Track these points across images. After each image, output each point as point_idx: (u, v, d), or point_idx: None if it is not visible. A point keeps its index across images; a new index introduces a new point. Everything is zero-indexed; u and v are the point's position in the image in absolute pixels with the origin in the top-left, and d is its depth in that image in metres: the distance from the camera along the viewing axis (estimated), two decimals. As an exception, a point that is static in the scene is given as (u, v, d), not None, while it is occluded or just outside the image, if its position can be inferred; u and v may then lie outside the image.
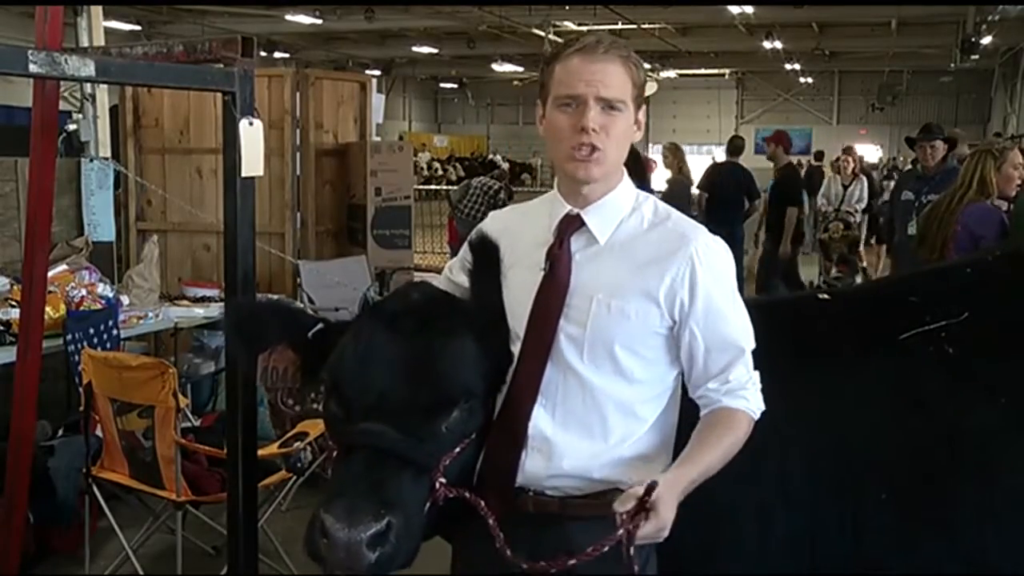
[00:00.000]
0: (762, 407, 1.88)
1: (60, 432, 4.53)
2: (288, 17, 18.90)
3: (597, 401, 1.84)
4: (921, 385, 2.20)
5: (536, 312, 1.86)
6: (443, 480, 1.82)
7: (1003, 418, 2.14)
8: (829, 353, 2.26)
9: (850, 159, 10.29)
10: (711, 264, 1.84)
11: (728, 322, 1.85)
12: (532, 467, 1.86)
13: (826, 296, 2.54)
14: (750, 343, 1.88)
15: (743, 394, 1.85)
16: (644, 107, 1.92)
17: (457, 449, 1.86)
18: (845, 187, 10.00)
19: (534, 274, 1.89)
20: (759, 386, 1.88)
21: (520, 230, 1.98)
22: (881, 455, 2.14)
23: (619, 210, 1.90)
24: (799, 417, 2.15)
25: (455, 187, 12.20)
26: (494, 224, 2.04)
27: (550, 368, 1.85)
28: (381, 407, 1.86)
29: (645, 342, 1.84)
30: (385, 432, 1.82)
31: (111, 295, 4.68)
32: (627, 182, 1.93)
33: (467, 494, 1.83)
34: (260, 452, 3.22)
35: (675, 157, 9.31)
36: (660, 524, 1.64)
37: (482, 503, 1.82)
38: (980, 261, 2.83)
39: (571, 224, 1.89)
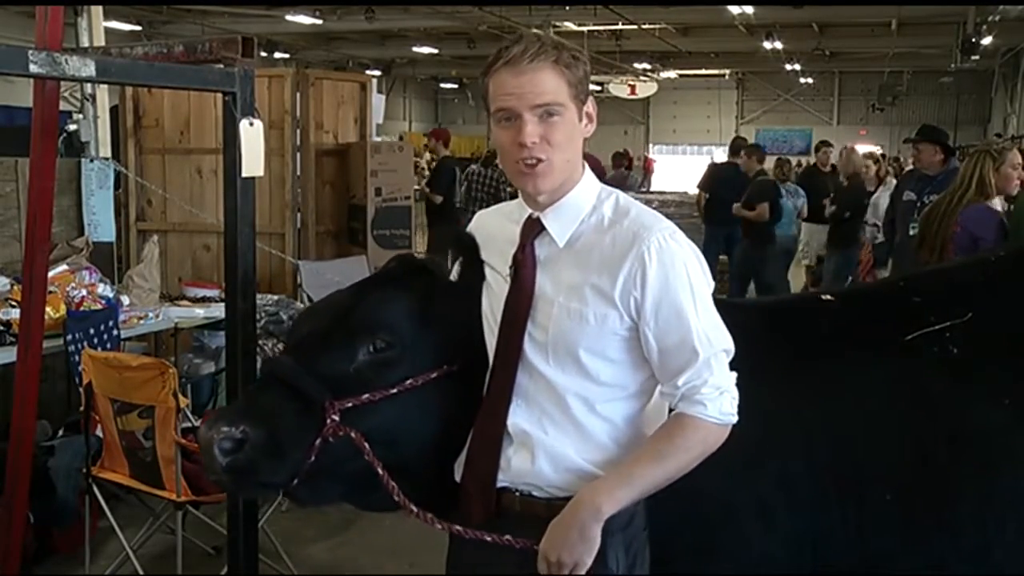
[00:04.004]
0: (729, 412, 1.78)
1: (60, 432, 4.54)
2: (288, 17, 18.88)
3: (567, 402, 1.82)
4: (925, 385, 2.18)
5: (505, 318, 1.87)
6: (336, 418, 1.87)
7: (1007, 418, 2.13)
8: (832, 353, 2.24)
9: (871, 162, 8.92)
10: (663, 262, 1.77)
11: (682, 323, 1.76)
12: (519, 464, 1.85)
13: (829, 297, 2.53)
14: (712, 347, 1.78)
15: (699, 399, 1.76)
16: (592, 99, 1.87)
17: (365, 395, 1.90)
18: (869, 194, 8.62)
19: (505, 278, 1.90)
20: (727, 391, 1.78)
21: (497, 232, 1.98)
22: (884, 455, 2.12)
23: (578, 211, 1.87)
24: (802, 417, 2.14)
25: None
26: (475, 224, 2.08)
27: (520, 371, 1.85)
28: (298, 345, 2.03)
29: (608, 344, 1.81)
30: (281, 361, 1.98)
31: (111, 295, 4.68)
32: (588, 180, 1.90)
33: (353, 434, 1.88)
34: (260, 452, 3.21)
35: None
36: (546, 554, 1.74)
37: (367, 446, 1.88)
38: (983, 261, 2.82)
39: (532, 228, 1.88)
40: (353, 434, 1.88)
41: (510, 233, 1.92)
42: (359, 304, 2.02)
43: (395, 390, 1.92)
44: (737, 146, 9.97)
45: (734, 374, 1.82)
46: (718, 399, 1.77)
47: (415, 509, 1.90)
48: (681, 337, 1.77)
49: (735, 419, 1.80)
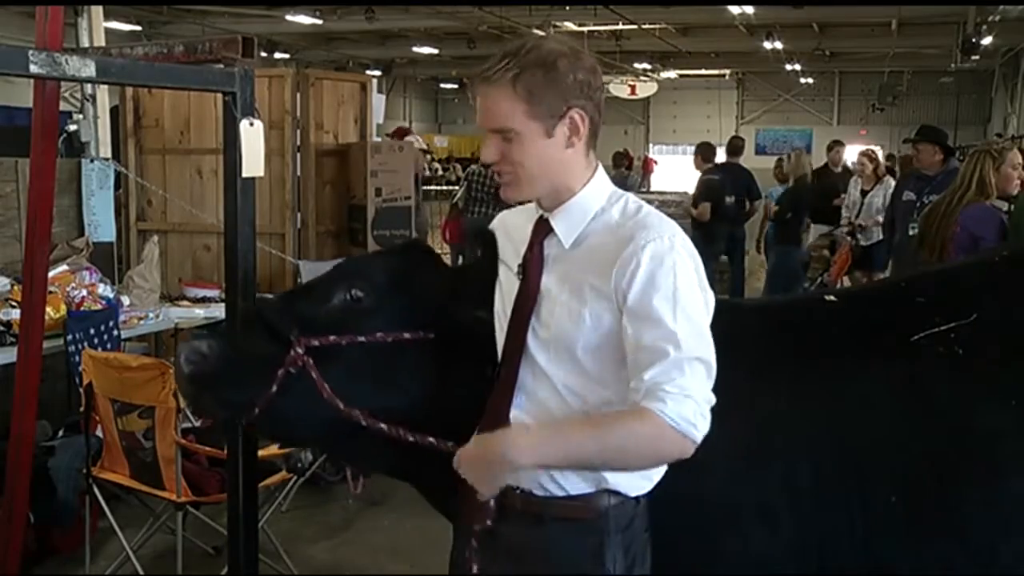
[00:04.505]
0: (690, 421, 1.66)
1: (60, 432, 4.53)
2: (288, 17, 18.90)
3: (567, 401, 1.83)
4: (930, 387, 2.17)
5: (513, 315, 1.89)
6: (300, 351, 2.01)
7: (1013, 419, 2.12)
8: (837, 354, 2.23)
9: (867, 159, 8.35)
10: (653, 260, 1.74)
11: (659, 323, 1.71)
12: None
13: (833, 298, 2.53)
14: (684, 351, 1.69)
15: (660, 395, 1.66)
16: (578, 110, 1.79)
17: (333, 337, 2.03)
18: (864, 193, 8.16)
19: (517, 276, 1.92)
20: (693, 398, 1.67)
21: (514, 231, 1.99)
22: (890, 457, 2.11)
23: (585, 213, 1.86)
24: (807, 419, 2.14)
25: (455, 187, 12.16)
26: (497, 223, 2.10)
27: (523, 367, 1.86)
28: (291, 292, 2.28)
29: (607, 344, 1.80)
30: (264, 299, 2.27)
31: (111, 295, 4.67)
32: (597, 181, 1.88)
33: (314, 374, 2.00)
34: (260, 452, 3.22)
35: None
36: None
37: (327, 388, 1.99)
38: (986, 262, 2.81)
39: (542, 229, 1.90)
40: (308, 358, 2.00)
41: (525, 233, 1.93)
42: (346, 262, 2.26)
43: (363, 338, 2.03)
44: (735, 146, 9.98)
45: (709, 392, 1.72)
46: (681, 401, 1.67)
47: (364, 422, 1.99)
48: (656, 337, 1.71)
49: (697, 433, 1.68)
